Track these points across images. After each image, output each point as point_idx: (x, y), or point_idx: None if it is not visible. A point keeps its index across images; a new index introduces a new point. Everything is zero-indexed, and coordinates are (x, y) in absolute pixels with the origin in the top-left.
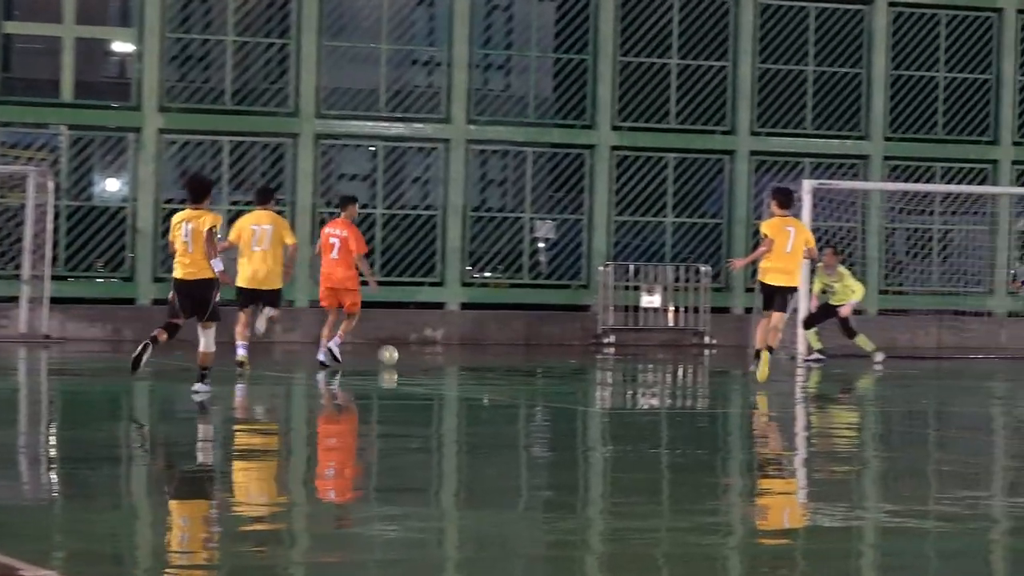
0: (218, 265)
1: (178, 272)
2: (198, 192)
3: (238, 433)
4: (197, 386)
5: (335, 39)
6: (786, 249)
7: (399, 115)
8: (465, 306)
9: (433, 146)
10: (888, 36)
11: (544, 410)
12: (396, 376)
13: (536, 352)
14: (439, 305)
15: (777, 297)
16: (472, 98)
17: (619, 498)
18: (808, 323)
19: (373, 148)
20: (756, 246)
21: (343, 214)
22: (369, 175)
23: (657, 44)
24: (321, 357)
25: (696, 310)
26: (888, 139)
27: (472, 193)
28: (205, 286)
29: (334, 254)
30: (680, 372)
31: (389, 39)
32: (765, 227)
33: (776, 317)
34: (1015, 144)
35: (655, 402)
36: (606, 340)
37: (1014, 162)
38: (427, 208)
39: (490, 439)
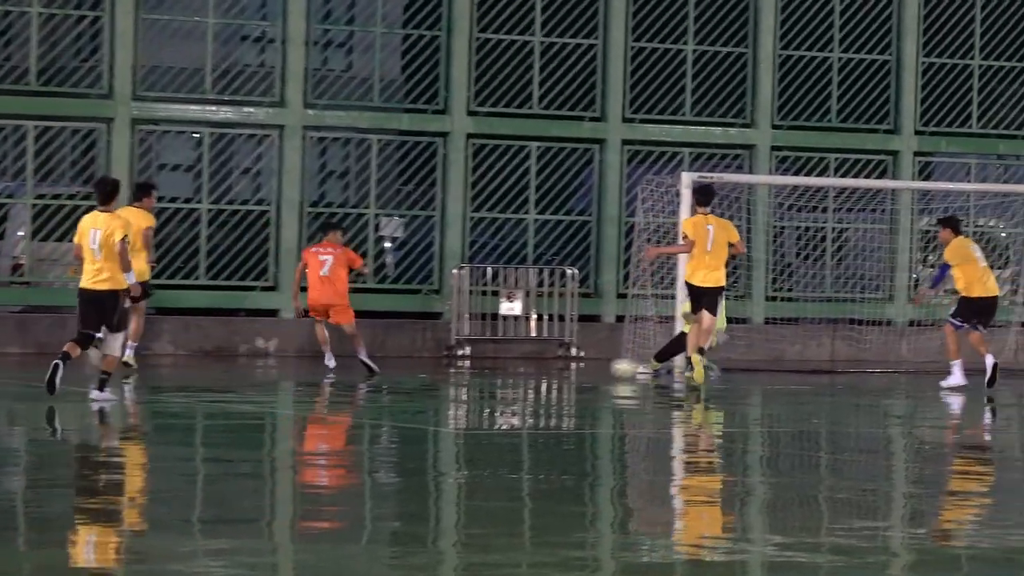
0: (131, 278)
1: (85, 281)
2: (106, 193)
3: (38, 456)
4: (95, 394)
5: (154, 12)
6: (707, 248)
7: (227, 98)
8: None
9: (265, 133)
10: (777, 13)
11: (391, 430)
12: (222, 392)
13: (382, 365)
14: (272, 312)
15: (705, 298)
16: (310, 79)
17: (475, 529)
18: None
19: (197, 135)
20: (668, 244)
21: (326, 238)
22: (193, 165)
23: (519, 20)
24: (332, 363)
25: (562, 318)
26: (776, 127)
27: (310, 186)
28: (112, 297)
29: (324, 271)
30: (543, 388)
31: (216, 12)
32: (685, 226)
33: (706, 319)
34: (917, 133)
35: (515, 421)
36: (460, 352)
37: (916, 153)
38: (259, 203)
39: (330, 463)
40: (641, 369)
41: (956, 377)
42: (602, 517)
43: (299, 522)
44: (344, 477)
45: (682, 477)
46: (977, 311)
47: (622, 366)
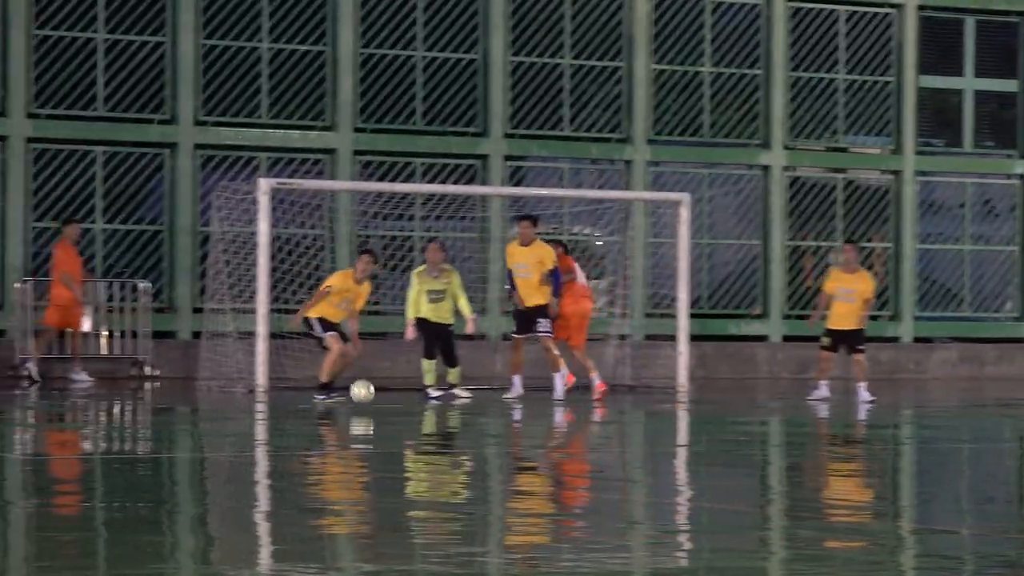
0: None
1: None
2: None
3: None
4: None
5: None
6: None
7: None
8: None
9: None
10: (357, 9)
11: None
12: None
13: None
14: None
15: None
16: None
17: (43, 562)
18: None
19: None
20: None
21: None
22: None
23: (80, 16)
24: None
25: (134, 335)
26: (359, 130)
27: None
28: None
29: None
30: (116, 409)
31: None
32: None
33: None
34: (507, 136)
35: (86, 446)
36: (25, 371)
37: (507, 157)
38: None
39: None
40: (372, 389)
41: (558, 390)
42: (181, 546)
43: None
44: None
45: (268, 504)
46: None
47: (359, 391)
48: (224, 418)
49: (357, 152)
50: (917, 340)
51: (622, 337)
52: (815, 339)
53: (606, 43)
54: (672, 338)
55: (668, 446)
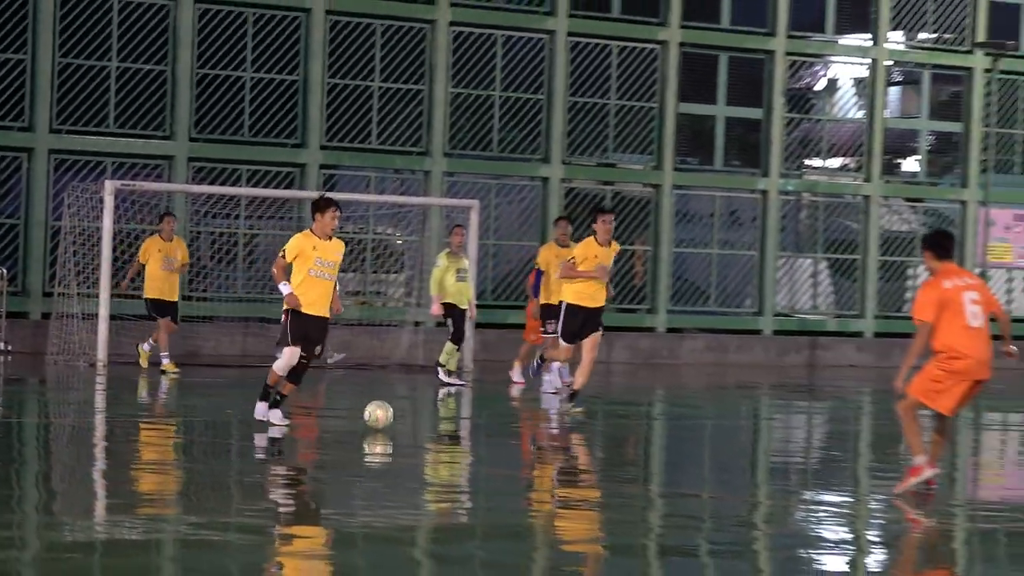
0: None
1: None
2: None
3: None
4: None
5: None
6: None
7: None
8: None
9: None
10: (195, 34)
11: None
12: None
13: None
14: None
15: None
16: None
17: None
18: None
19: None
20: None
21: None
22: None
23: None
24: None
25: None
26: (193, 140)
27: None
28: None
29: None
30: None
31: None
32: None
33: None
34: (323, 148)
35: None
36: None
37: (322, 166)
38: None
39: None
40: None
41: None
42: (27, 500)
43: None
44: None
45: (104, 463)
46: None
47: (379, 412)
48: (68, 388)
49: (191, 159)
50: (670, 330)
51: (416, 324)
52: None
53: (410, 69)
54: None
55: (453, 418)
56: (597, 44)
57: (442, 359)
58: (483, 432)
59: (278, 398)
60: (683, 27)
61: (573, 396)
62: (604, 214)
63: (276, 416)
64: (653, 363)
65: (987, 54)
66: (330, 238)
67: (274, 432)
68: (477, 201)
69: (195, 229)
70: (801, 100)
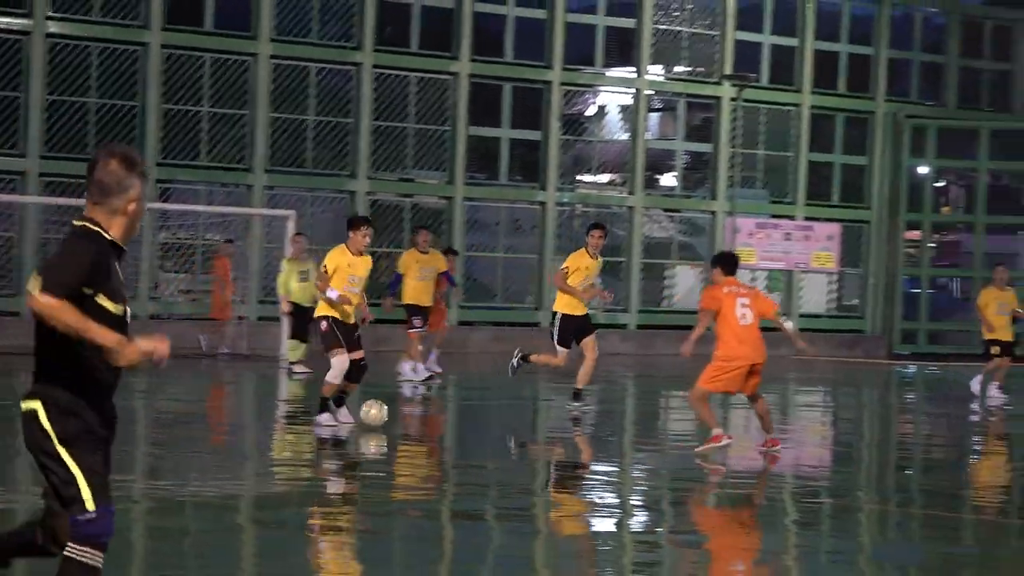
0: None
1: None
2: None
3: None
4: None
5: None
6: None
7: None
8: None
9: None
10: (45, 64)
11: None
12: None
13: None
14: None
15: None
16: None
17: None
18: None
19: None
20: None
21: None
22: None
23: None
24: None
25: None
26: (44, 157)
27: None
28: None
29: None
30: None
31: None
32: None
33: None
34: (158, 165)
35: None
36: None
37: (158, 180)
38: None
39: None
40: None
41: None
42: None
43: None
44: None
45: None
46: None
47: (373, 411)
48: None
49: (43, 174)
50: (462, 324)
51: (240, 318)
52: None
53: (235, 96)
54: (278, 319)
55: (271, 401)
56: (398, 75)
57: (290, 356)
58: (301, 413)
59: (342, 396)
60: (472, 60)
61: (577, 395)
62: (597, 229)
63: (344, 415)
64: (446, 353)
65: (733, 85)
66: (361, 254)
67: (343, 431)
68: (294, 211)
69: (46, 236)
70: (574, 124)
